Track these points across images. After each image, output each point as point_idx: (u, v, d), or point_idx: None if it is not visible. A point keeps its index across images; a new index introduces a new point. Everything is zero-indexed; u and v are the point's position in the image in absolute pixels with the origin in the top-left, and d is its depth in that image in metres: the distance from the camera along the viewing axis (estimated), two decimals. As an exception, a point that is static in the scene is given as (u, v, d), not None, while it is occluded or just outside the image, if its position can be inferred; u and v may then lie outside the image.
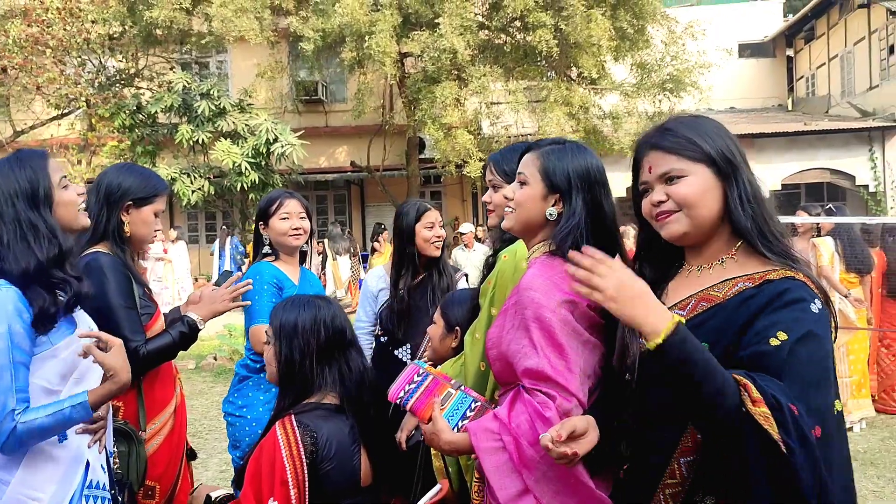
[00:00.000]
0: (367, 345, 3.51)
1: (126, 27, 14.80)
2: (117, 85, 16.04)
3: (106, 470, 2.09)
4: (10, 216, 1.90)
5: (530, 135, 14.25)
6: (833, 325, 1.47)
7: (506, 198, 1.94)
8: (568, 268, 1.45)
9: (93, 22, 14.65)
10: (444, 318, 2.51)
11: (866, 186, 16.78)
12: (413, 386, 2.01)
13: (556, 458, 1.52)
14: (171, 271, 13.67)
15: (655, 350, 1.33)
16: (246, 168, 13.82)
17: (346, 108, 16.53)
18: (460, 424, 1.84)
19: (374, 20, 12.43)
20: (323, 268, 13.73)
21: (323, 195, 19.72)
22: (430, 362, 2.49)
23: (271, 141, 14.05)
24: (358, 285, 13.00)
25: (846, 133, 16.71)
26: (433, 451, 2.22)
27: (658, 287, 1.61)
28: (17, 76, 14.67)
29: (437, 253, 3.34)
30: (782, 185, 16.96)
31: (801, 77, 22.71)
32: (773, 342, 1.36)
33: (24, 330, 1.85)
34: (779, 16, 22.84)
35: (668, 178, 1.56)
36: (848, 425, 6.14)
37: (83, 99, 14.87)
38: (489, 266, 2.37)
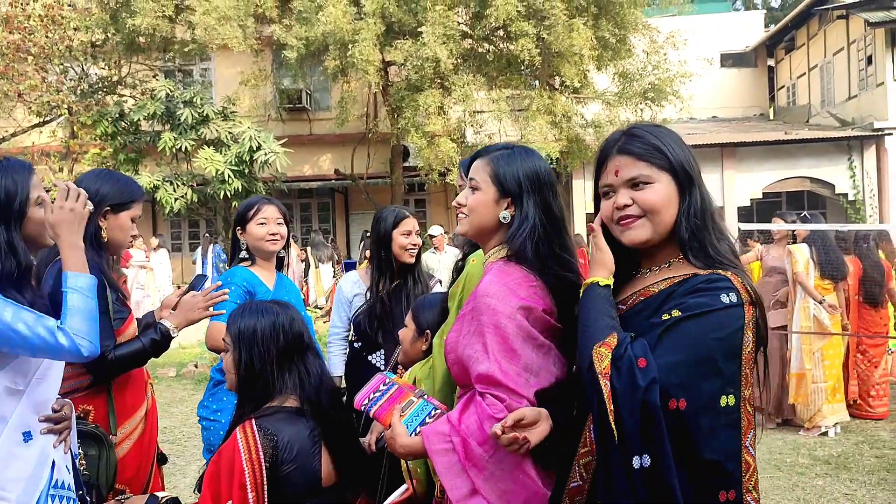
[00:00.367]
0: (341, 350, 3.53)
1: (109, 35, 14.76)
2: (100, 92, 15.95)
3: (71, 471, 2.09)
4: None
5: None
6: (753, 326, 1.51)
7: (459, 204, 1.97)
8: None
9: (75, 29, 14.59)
10: (415, 322, 2.53)
11: (846, 195, 16.97)
12: (378, 394, 2.08)
13: (506, 444, 1.58)
14: (153, 279, 13.62)
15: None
16: (229, 176, 13.76)
17: (330, 116, 16.54)
18: (418, 430, 1.88)
19: (358, 29, 12.45)
20: (306, 275, 13.71)
21: (307, 203, 19.71)
22: (400, 370, 2.52)
23: (254, 149, 14.01)
24: (341, 293, 12.96)
25: (826, 142, 16.91)
26: (400, 454, 2.25)
27: (615, 289, 1.69)
28: (-2, 83, 14.60)
29: (412, 260, 3.38)
30: (763, 193, 17.13)
31: (783, 87, 22.97)
32: (665, 317, 1.46)
33: None
34: (760, 26, 23.13)
35: (635, 184, 1.60)
36: (823, 430, 6.22)
37: (65, 106, 14.79)
38: (458, 270, 2.40)
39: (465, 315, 1.82)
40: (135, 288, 14.17)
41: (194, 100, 14.01)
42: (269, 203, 3.28)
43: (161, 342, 2.58)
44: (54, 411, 2.08)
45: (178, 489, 4.86)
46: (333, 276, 13.79)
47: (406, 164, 16.55)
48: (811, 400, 6.25)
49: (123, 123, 14.50)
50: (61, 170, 15.88)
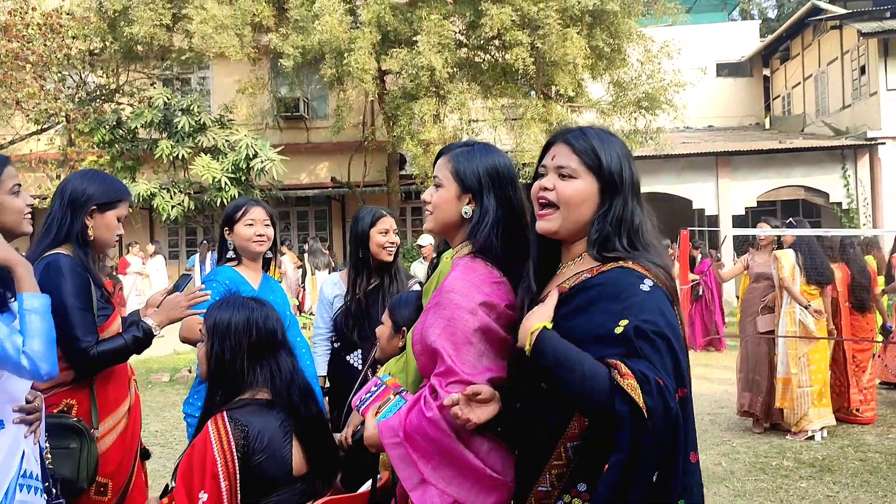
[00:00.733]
0: (324, 350, 3.59)
1: (107, 43, 14.85)
2: (97, 100, 16.04)
3: (38, 461, 2.14)
4: None
5: (509, 151, 14.43)
6: (670, 296, 1.63)
7: (425, 201, 2.04)
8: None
9: (73, 38, 14.70)
10: (392, 319, 2.59)
11: (839, 204, 17.06)
12: (368, 395, 2.15)
13: (453, 416, 1.67)
14: (149, 286, 13.67)
15: (532, 355, 1.57)
16: (226, 183, 13.85)
17: (327, 124, 16.63)
18: None
19: (354, 37, 12.56)
20: (302, 282, 13.77)
21: (304, 211, 19.78)
22: (390, 374, 2.59)
23: (251, 156, 14.11)
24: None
25: (820, 151, 17.01)
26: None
27: (545, 284, 1.79)
28: (-3, 91, 14.69)
29: (389, 258, 3.43)
30: (758, 201, 17.22)
31: (778, 96, 23.10)
32: (618, 330, 1.52)
33: None
34: (755, 36, 23.27)
35: (562, 174, 1.70)
36: (809, 434, 6.27)
37: (63, 114, 14.88)
38: (433, 267, 2.47)
39: (430, 309, 1.88)
40: (133, 294, 14.23)
41: (191, 108, 14.11)
42: (256, 205, 3.35)
43: (143, 339, 2.64)
44: (27, 402, 2.14)
45: (163, 487, 4.90)
46: (329, 284, 13.81)
47: (402, 173, 16.64)
48: (797, 404, 6.30)
49: (121, 131, 14.59)
50: (58, 177, 15.95)
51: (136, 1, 13.49)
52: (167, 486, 2.31)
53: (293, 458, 2.03)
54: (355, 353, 3.38)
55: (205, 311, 2.86)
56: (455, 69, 13.41)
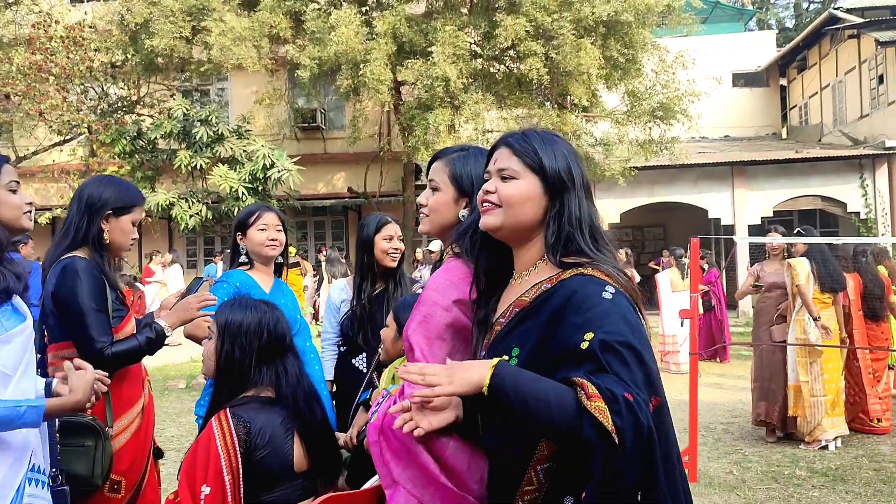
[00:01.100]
0: (332, 356, 3.65)
1: (128, 55, 15.09)
2: (119, 112, 16.30)
3: (45, 456, 2.19)
4: None
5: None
6: (633, 300, 1.58)
7: (420, 204, 2.09)
8: (405, 376, 1.54)
9: (95, 50, 14.96)
10: (396, 322, 2.65)
11: (857, 213, 16.93)
12: (377, 406, 2.20)
13: (403, 423, 1.59)
14: (167, 294, 13.81)
15: (490, 395, 1.45)
16: (243, 193, 13.99)
17: (344, 134, 16.78)
18: None
19: (370, 49, 12.69)
20: (318, 290, 13.87)
21: (321, 221, 19.92)
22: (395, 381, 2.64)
23: (268, 166, 14.26)
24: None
25: (837, 161, 16.91)
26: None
27: (496, 297, 1.75)
28: (21, 103, 14.97)
29: (394, 264, 3.49)
30: (774, 211, 17.12)
31: (795, 106, 23.00)
32: (584, 345, 1.45)
33: None
34: (772, 46, 23.20)
35: (503, 176, 1.68)
36: (822, 443, 6.25)
37: (85, 125, 15.13)
38: (436, 268, 2.52)
39: (416, 305, 1.95)
40: (156, 304, 14.40)
41: (210, 118, 14.29)
42: (268, 210, 3.43)
43: (156, 340, 2.71)
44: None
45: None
46: (345, 292, 13.91)
47: (418, 183, 16.73)
48: (811, 414, 6.27)
49: (141, 142, 14.80)
50: (80, 187, 16.20)
51: (157, 14, 13.72)
52: None
53: (294, 454, 2.09)
54: (360, 356, 3.44)
55: (212, 313, 2.96)
56: (470, 80, 13.50)
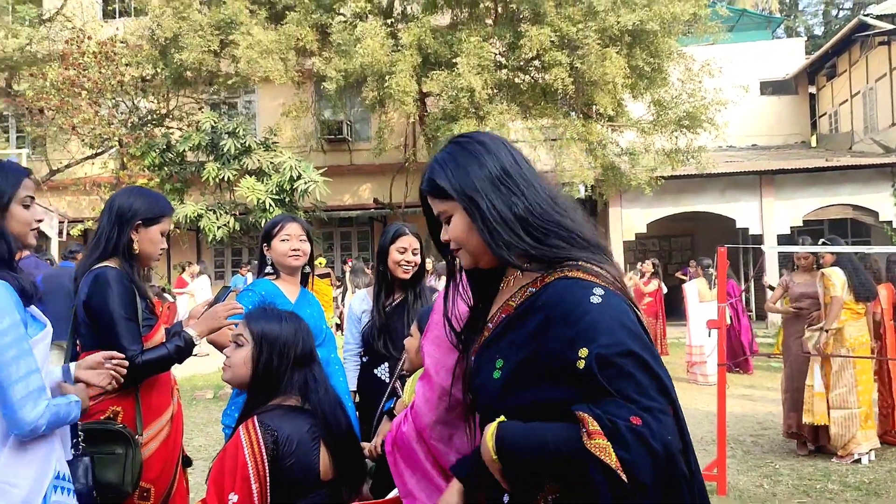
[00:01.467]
0: (354, 366, 3.66)
1: (158, 70, 15.37)
2: (148, 125, 16.59)
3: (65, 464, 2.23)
4: None
5: (548, 171, 14.46)
6: (625, 296, 1.46)
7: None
8: None
9: (126, 65, 15.26)
10: (420, 331, 2.65)
11: (889, 222, 16.65)
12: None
13: None
14: (195, 305, 13.94)
15: (503, 462, 1.40)
16: (270, 205, 14.16)
17: (370, 146, 16.89)
18: None
19: (395, 60, 12.79)
20: (342, 300, 13.93)
21: (347, 231, 20.04)
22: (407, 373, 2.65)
23: (295, 178, 14.41)
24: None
25: (868, 169, 16.65)
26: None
27: (487, 305, 1.66)
28: (54, 117, 15.30)
29: (405, 276, 3.47)
30: (804, 220, 16.90)
31: (824, 114, 22.71)
32: (580, 364, 1.34)
33: (24, 319, 2.04)
34: (801, 53, 22.95)
35: (444, 219, 1.61)
36: (856, 457, 6.13)
37: (116, 138, 15.43)
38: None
39: (430, 315, 1.95)
40: (186, 314, 14.56)
41: (237, 131, 14.48)
42: (292, 221, 3.46)
43: (185, 348, 2.75)
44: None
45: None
46: (369, 302, 13.95)
47: (443, 193, 16.76)
48: (845, 427, 6.16)
49: (170, 154, 15.04)
50: (111, 199, 16.47)
51: (186, 28, 13.96)
52: None
53: (321, 462, 2.10)
54: (382, 366, 3.45)
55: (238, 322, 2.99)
56: (494, 90, 13.54)
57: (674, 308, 14.57)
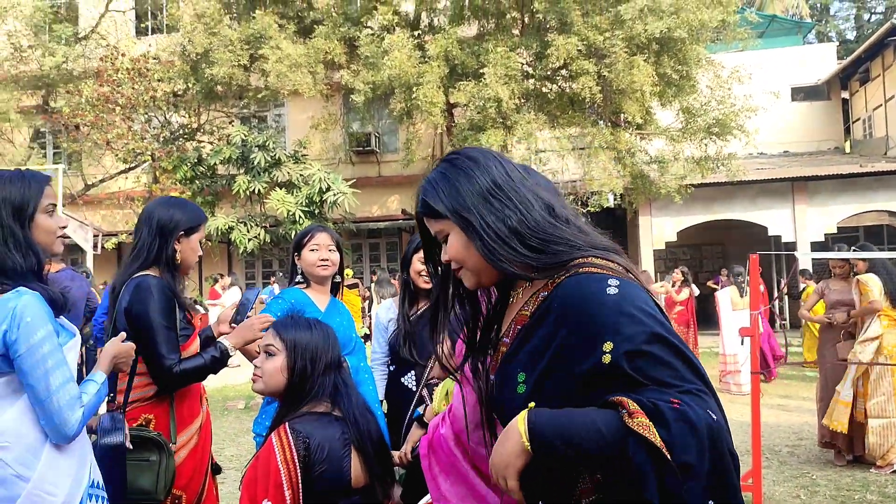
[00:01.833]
0: (382, 375, 3.67)
1: (189, 85, 15.63)
2: (180, 139, 16.84)
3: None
4: None
5: (577, 180, 14.41)
6: (642, 286, 1.42)
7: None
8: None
9: (159, 80, 15.53)
10: (450, 338, 2.65)
11: (928, 229, 16.34)
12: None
13: None
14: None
15: (536, 452, 1.32)
16: (300, 216, 14.29)
17: (398, 157, 16.98)
18: None
19: (422, 72, 12.86)
20: (369, 310, 13.97)
21: (376, 242, 20.13)
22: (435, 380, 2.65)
23: (324, 190, 14.53)
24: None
25: (904, 174, 16.35)
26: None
27: (498, 318, 1.63)
28: (89, 133, 15.60)
29: (427, 286, 3.46)
30: (838, 227, 16.62)
31: (858, 119, 22.35)
32: (606, 359, 1.30)
33: (56, 329, 2.08)
34: (832, 58, 22.64)
35: (443, 239, 1.58)
36: (895, 467, 5.99)
37: (149, 153, 15.68)
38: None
39: None
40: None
41: (267, 144, 14.65)
42: (322, 230, 3.48)
43: (220, 359, 2.79)
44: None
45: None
46: (396, 313, 14.00)
47: (471, 203, 16.76)
48: (883, 436, 6.03)
49: (201, 168, 15.25)
50: (144, 213, 16.71)
51: (217, 44, 14.18)
52: None
53: (352, 469, 2.11)
54: (409, 374, 3.46)
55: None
56: (522, 100, 13.55)
57: (704, 317, 14.40)
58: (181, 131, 17.07)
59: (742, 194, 16.71)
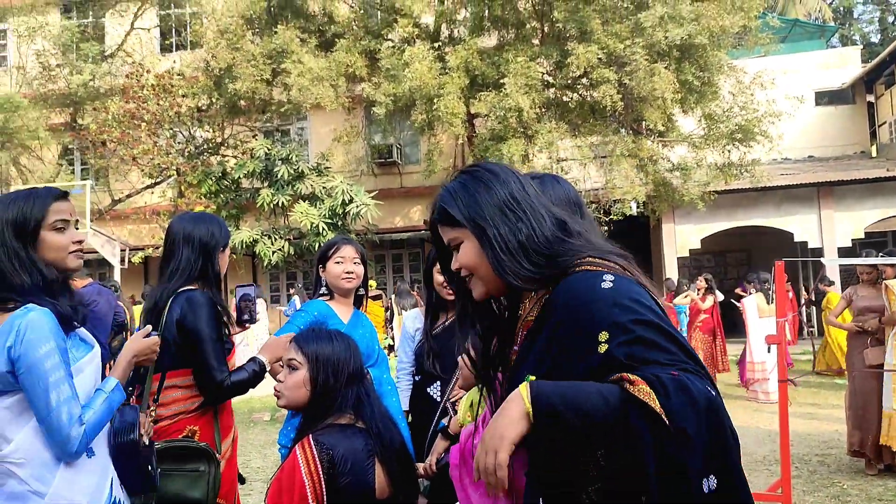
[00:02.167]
0: (407, 385, 3.69)
1: (213, 100, 15.83)
2: (204, 153, 17.03)
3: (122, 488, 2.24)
4: (1, 240, 2.09)
5: (599, 189, 14.37)
6: (638, 282, 1.46)
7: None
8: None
9: (183, 96, 15.75)
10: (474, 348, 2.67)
11: (958, 232, 16.06)
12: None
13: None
14: (251, 329, 14.20)
15: (537, 421, 1.31)
16: (323, 229, 14.39)
17: (419, 168, 17.05)
18: None
19: (443, 83, 12.92)
20: (390, 322, 14.02)
21: (398, 254, 20.20)
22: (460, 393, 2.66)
23: (347, 202, 14.62)
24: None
25: (933, 178, 16.10)
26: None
27: (511, 331, 1.64)
28: (116, 149, 15.85)
29: (449, 297, 3.47)
30: (866, 233, 16.39)
31: (884, 122, 22.04)
32: (602, 348, 1.34)
33: (64, 345, 2.06)
34: (857, 62, 22.38)
35: (454, 247, 1.61)
36: (929, 474, 5.89)
37: (174, 168, 15.88)
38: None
39: None
40: (242, 344, 14.85)
41: (290, 157, 14.79)
42: (347, 243, 3.51)
43: (260, 374, 2.83)
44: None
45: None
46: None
47: (493, 213, 16.77)
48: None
49: (226, 182, 15.42)
50: (170, 227, 16.92)
51: (240, 59, 14.36)
52: None
53: (376, 480, 2.12)
54: (434, 385, 3.47)
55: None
56: (542, 109, 13.56)
57: (728, 324, 14.25)
58: (205, 146, 17.28)
59: (767, 200, 16.56)
